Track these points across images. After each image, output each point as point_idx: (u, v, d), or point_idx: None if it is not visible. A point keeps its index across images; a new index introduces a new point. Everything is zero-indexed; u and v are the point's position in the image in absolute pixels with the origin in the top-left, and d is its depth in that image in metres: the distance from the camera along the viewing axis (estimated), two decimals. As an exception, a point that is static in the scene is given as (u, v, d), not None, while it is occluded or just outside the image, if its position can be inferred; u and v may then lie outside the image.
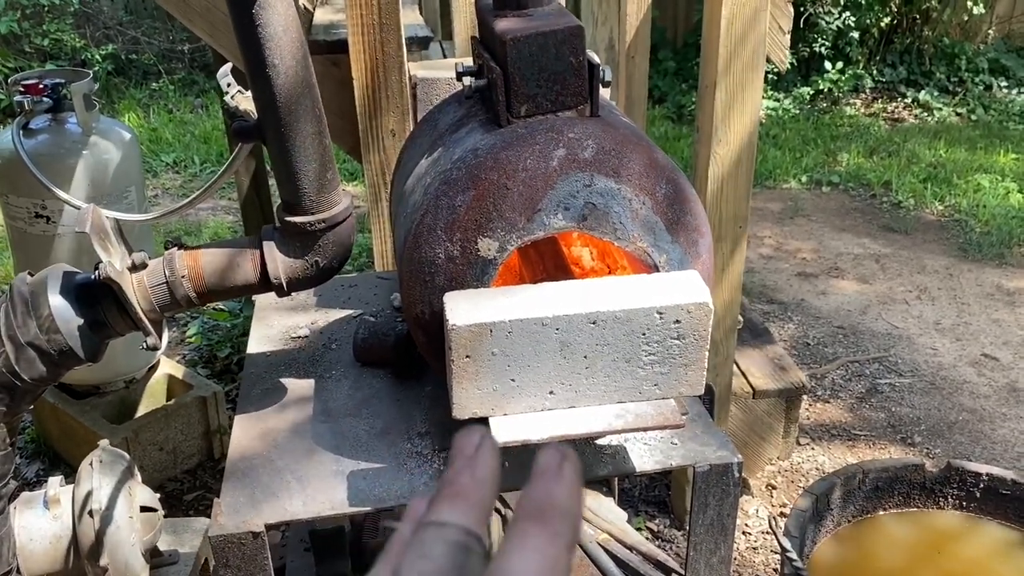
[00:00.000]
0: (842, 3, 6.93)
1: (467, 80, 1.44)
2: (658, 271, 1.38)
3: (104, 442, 2.00)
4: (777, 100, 7.13)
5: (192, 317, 4.17)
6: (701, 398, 1.53)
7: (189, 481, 3.24)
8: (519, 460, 1.44)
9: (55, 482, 1.95)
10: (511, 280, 1.62)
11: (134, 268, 1.45)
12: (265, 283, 1.49)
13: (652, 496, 3.10)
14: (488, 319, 1.24)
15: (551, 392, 1.31)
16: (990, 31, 7.57)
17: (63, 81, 2.84)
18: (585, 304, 1.27)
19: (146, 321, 1.45)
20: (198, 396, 3.23)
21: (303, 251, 1.48)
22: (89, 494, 1.87)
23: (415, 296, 1.37)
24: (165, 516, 2.04)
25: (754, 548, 2.92)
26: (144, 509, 1.95)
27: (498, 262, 1.34)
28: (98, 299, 1.44)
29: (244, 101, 1.47)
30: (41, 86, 2.80)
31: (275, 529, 1.50)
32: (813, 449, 3.38)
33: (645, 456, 1.46)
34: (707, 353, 1.32)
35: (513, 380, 1.29)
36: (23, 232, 2.89)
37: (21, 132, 2.73)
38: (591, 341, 1.28)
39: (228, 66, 1.54)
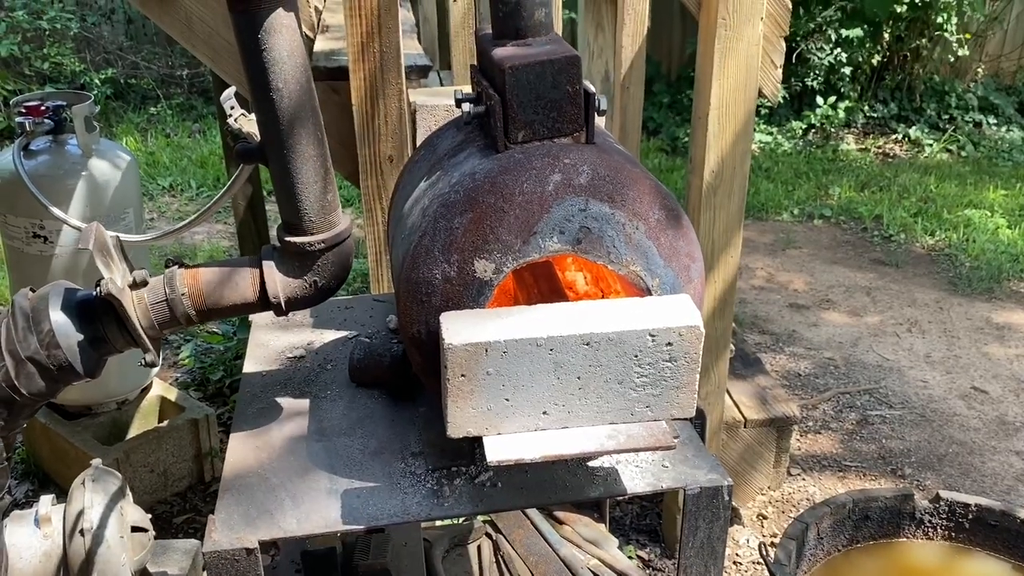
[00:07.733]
0: (834, 40, 7.03)
1: (466, 107, 1.48)
2: (651, 295, 1.40)
3: (97, 461, 2.00)
4: (770, 134, 7.21)
5: (185, 340, 4.17)
6: (692, 421, 1.54)
7: (179, 504, 3.23)
8: (512, 480, 1.46)
9: (47, 500, 1.94)
10: (506, 303, 1.64)
11: (135, 285, 1.47)
12: (264, 302, 1.51)
13: (643, 524, 3.10)
14: (484, 339, 1.26)
15: (544, 412, 1.32)
16: (980, 69, 7.68)
17: (64, 103, 2.87)
18: (579, 325, 1.29)
19: (145, 338, 1.46)
20: (190, 419, 3.23)
21: (302, 271, 1.51)
22: (81, 513, 1.86)
23: (412, 316, 1.39)
24: (155, 538, 2.03)
25: (744, 577, 2.92)
26: (135, 529, 1.95)
27: (494, 283, 1.36)
28: (98, 315, 1.46)
29: (247, 123, 1.50)
30: (43, 108, 2.83)
31: (265, 553, 1.51)
32: (804, 480, 3.39)
33: (636, 478, 1.47)
34: (698, 376, 1.34)
35: (507, 400, 1.31)
36: (20, 252, 2.90)
37: (22, 153, 2.76)
38: (584, 362, 1.30)
39: (232, 89, 1.57)
